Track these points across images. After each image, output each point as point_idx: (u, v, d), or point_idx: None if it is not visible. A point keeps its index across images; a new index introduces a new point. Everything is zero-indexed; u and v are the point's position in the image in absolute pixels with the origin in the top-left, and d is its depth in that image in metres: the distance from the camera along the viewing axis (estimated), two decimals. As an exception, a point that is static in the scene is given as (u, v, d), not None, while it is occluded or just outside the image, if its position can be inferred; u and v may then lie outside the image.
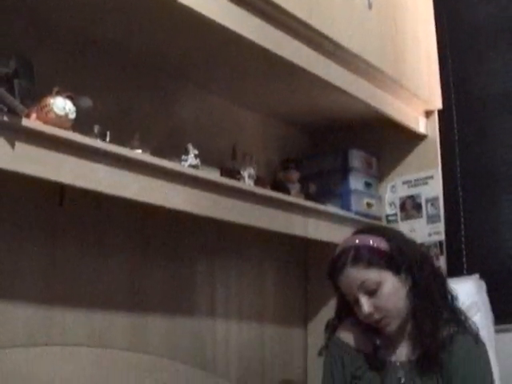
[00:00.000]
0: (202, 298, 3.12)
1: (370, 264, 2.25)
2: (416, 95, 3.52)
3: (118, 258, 2.77)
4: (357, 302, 2.28)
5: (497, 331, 3.09)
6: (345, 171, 3.49)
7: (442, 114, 3.66)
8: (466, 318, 2.38)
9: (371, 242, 2.30)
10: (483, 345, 2.33)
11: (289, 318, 3.60)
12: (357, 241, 2.33)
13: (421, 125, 3.61)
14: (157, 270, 2.91)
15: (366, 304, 2.24)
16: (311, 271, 3.73)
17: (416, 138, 3.63)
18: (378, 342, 2.34)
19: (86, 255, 2.66)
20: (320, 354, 2.55)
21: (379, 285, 2.24)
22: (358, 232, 2.43)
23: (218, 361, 3.16)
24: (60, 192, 2.50)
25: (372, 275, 2.25)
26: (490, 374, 2.30)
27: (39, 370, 2.41)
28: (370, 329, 2.35)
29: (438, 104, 3.66)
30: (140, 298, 2.83)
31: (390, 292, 2.25)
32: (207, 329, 3.12)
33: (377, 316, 2.26)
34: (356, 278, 2.26)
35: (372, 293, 2.24)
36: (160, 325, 2.90)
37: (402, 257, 2.29)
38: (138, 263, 2.84)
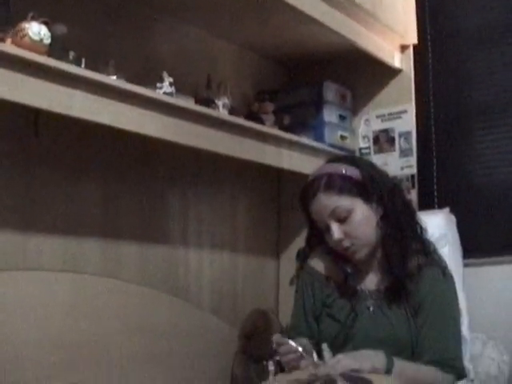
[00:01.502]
0: (174, 227, 3.15)
1: (341, 191, 2.28)
2: (391, 29, 3.52)
3: (92, 185, 2.80)
4: (328, 229, 2.32)
5: (465, 265, 3.15)
6: (319, 104, 3.49)
7: (416, 48, 3.66)
8: (435, 249, 2.43)
9: (344, 171, 2.32)
10: (451, 277, 2.39)
11: (261, 249, 3.65)
12: (329, 169, 2.36)
13: (396, 59, 3.61)
14: (130, 197, 2.94)
15: (336, 231, 2.28)
16: (284, 203, 3.77)
17: (391, 73, 3.63)
18: (348, 269, 2.39)
19: (61, 182, 2.68)
20: (291, 283, 2.60)
21: (350, 212, 2.28)
22: (331, 161, 2.46)
23: (191, 289, 3.21)
24: (34, 122, 2.51)
25: (343, 202, 2.28)
26: (457, 305, 2.38)
27: (15, 294, 2.45)
28: (341, 257, 2.39)
29: (413, 39, 3.66)
30: (114, 225, 2.87)
31: (360, 219, 2.29)
32: (180, 258, 3.17)
33: (347, 243, 2.30)
34: (328, 205, 2.29)
35: (343, 220, 2.28)
36: (133, 252, 2.94)
37: (373, 186, 2.32)
38: (112, 191, 2.86)
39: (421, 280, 2.31)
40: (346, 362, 2.03)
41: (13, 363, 2.41)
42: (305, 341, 2.21)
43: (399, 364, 2.13)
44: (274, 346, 2.15)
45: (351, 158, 2.55)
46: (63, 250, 2.67)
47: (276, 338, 2.16)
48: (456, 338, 2.31)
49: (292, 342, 2.12)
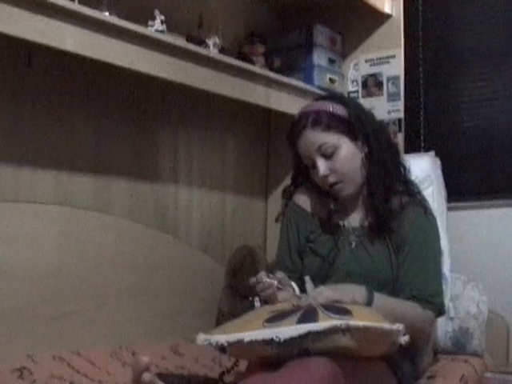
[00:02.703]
0: (165, 165, 3.20)
1: (328, 128, 2.34)
2: (383, -26, 3.54)
3: (84, 120, 2.84)
4: (314, 165, 2.37)
5: (449, 208, 3.20)
6: (309, 47, 3.51)
7: (407, -6, 3.69)
8: (419, 191, 2.49)
9: (331, 108, 2.37)
10: (432, 216, 2.45)
11: (250, 188, 3.70)
12: (317, 106, 2.41)
13: (386, 5, 3.62)
14: (122, 133, 2.99)
15: (322, 166, 2.34)
16: (273, 144, 3.81)
17: (380, 18, 3.64)
18: (332, 205, 2.45)
19: (53, 116, 2.72)
20: (277, 220, 2.65)
21: (336, 148, 2.33)
22: (319, 98, 2.52)
23: (180, 226, 3.27)
24: (28, 52, 2.55)
25: (330, 138, 2.33)
26: (438, 243, 2.45)
27: (7, 225, 2.51)
28: (325, 194, 2.45)
29: (403, -15, 3.68)
30: (104, 160, 2.92)
31: (346, 156, 2.34)
32: (170, 194, 3.22)
33: (332, 179, 2.35)
34: (314, 141, 2.34)
35: (329, 156, 2.33)
36: (124, 187, 3.00)
37: (359, 124, 2.37)
38: (103, 126, 2.91)
39: (403, 218, 2.37)
40: (327, 293, 2.09)
41: (3, 293, 2.47)
42: (280, 274, 2.26)
43: (379, 298, 2.18)
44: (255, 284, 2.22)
45: (339, 97, 2.59)
46: (55, 183, 2.72)
47: (252, 279, 2.21)
48: (436, 274, 2.37)
49: (266, 279, 2.18)
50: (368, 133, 2.38)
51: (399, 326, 1.93)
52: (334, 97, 2.56)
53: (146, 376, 1.60)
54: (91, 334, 2.73)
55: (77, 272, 2.72)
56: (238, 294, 3.15)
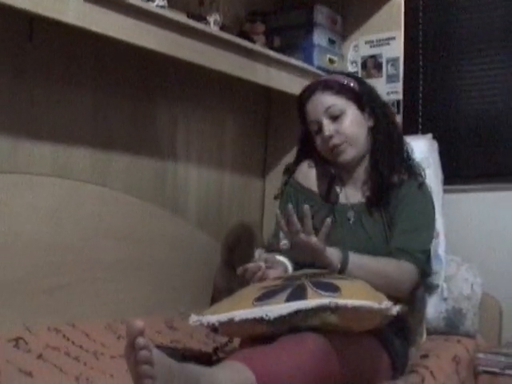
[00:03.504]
0: (163, 140, 3.21)
1: (338, 92, 2.46)
2: (383, -44, 3.54)
3: (84, 93, 2.85)
4: (320, 129, 2.46)
5: (445, 191, 3.22)
6: (309, 27, 3.51)
7: (407, -24, 3.68)
8: (420, 172, 2.55)
9: (342, 80, 2.51)
10: (427, 188, 2.53)
11: (248, 167, 3.71)
12: (329, 76, 2.59)
13: (386, -14, 3.64)
14: (121, 107, 3.00)
15: (327, 126, 2.43)
16: (272, 124, 3.81)
17: (381, -1, 3.66)
18: (332, 170, 2.52)
19: (53, 89, 2.73)
20: (276, 197, 2.68)
21: (343, 112, 2.44)
22: (331, 73, 2.70)
23: (178, 202, 3.28)
24: (29, 27, 2.55)
25: (338, 101, 2.45)
26: (431, 211, 2.51)
27: (4, 196, 2.51)
28: (327, 165, 2.53)
29: (404, -34, 3.67)
30: (104, 134, 2.93)
31: (351, 121, 2.45)
32: (168, 171, 3.23)
33: (336, 140, 2.43)
34: (323, 102, 2.45)
35: (335, 118, 2.43)
36: (122, 162, 3.01)
37: (368, 98, 2.50)
38: (103, 100, 2.92)
39: (399, 192, 2.44)
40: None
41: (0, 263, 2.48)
42: (264, 255, 2.31)
43: (354, 258, 2.22)
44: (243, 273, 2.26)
45: (351, 74, 2.79)
46: (53, 155, 2.73)
47: (239, 269, 2.26)
48: (425, 237, 2.44)
49: (252, 264, 2.24)
50: (375, 107, 2.50)
51: (388, 304, 1.96)
52: (345, 73, 2.75)
53: (140, 341, 1.59)
54: (87, 307, 2.75)
55: (73, 244, 2.73)
56: (234, 270, 3.15)
